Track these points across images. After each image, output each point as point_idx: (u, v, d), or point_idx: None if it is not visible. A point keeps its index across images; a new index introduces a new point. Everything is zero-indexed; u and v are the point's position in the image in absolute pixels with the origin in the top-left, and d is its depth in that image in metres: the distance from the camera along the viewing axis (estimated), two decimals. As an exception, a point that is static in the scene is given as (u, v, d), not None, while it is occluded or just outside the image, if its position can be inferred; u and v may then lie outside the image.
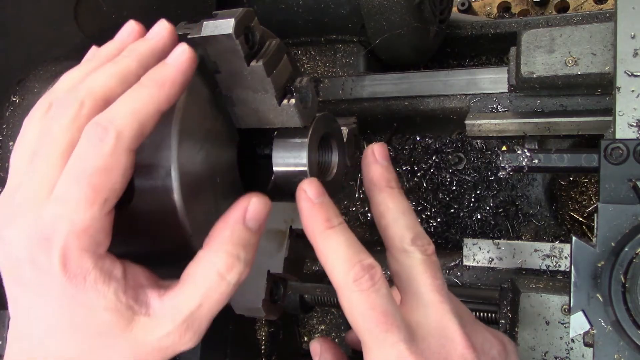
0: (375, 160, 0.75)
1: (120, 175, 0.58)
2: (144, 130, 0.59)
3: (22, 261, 0.57)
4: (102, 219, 0.57)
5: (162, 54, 0.65)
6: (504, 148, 1.20)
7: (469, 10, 2.00)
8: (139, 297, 0.61)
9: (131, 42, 0.67)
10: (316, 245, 0.68)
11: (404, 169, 1.31)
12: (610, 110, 0.78)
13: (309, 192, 0.68)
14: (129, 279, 0.61)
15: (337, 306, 1.26)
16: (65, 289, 0.57)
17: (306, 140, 0.78)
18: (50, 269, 0.56)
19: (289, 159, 0.79)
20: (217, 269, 0.62)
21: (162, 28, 0.66)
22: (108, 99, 0.59)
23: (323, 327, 1.38)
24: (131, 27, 0.69)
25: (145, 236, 0.76)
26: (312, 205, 0.68)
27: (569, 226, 1.22)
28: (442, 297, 0.67)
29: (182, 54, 0.62)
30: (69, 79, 0.64)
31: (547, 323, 0.87)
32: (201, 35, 0.71)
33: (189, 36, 0.73)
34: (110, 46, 0.68)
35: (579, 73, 0.92)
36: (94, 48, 0.72)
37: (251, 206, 0.65)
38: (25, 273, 0.58)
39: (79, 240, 0.56)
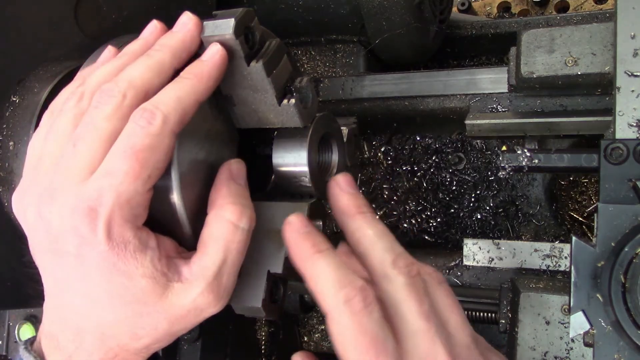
0: (341, 190, 0.73)
1: (164, 155, 0.63)
2: (186, 116, 0.64)
3: (63, 233, 0.61)
4: (144, 194, 0.62)
5: (190, 45, 0.69)
6: (504, 148, 1.20)
7: (469, 10, 2.00)
8: (170, 265, 0.65)
9: (153, 39, 0.71)
10: (305, 270, 0.66)
11: (404, 169, 1.31)
12: (610, 110, 0.78)
13: (294, 225, 0.69)
14: (162, 249, 0.65)
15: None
16: (106, 258, 0.60)
17: (306, 140, 0.78)
18: (93, 238, 0.60)
19: (289, 159, 0.79)
20: (229, 220, 0.66)
21: (188, 20, 0.70)
22: (147, 91, 0.64)
23: (323, 327, 1.38)
24: (154, 26, 0.73)
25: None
26: (299, 235, 0.68)
27: (569, 226, 1.22)
28: (429, 324, 0.64)
29: (217, 52, 0.68)
30: (103, 72, 0.68)
31: (547, 323, 0.87)
32: (201, 36, 0.71)
33: (189, 36, 0.73)
34: (136, 44, 0.72)
35: (579, 73, 0.92)
36: (110, 47, 0.75)
37: (232, 166, 0.71)
38: (66, 245, 0.61)
39: (122, 211, 0.60)
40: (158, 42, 0.69)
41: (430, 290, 0.67)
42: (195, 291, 0.64)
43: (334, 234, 1.37)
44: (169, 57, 0.67)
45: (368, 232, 0.69)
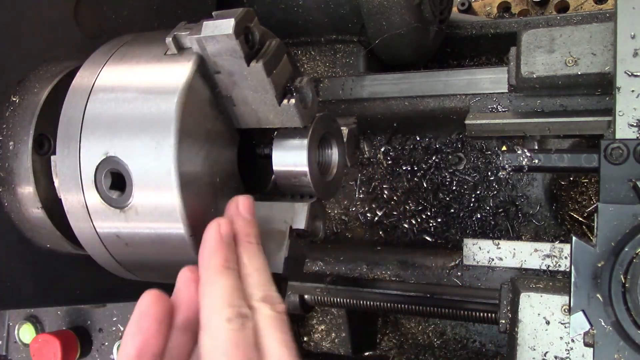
0: (238, 212, 0.75)
1: None
2: None
3: None
4: None
5: None
6: (504, 148, 1.20)
7: (469, 10, 2.00)
8: None
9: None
10: (205, 277, 0.70)
11: (404, 169, 1.31)
12: (610, 110, 0.78)
13: (222, 227, 0.71)
14: None
15: (337, 306, 1.26)
16: None
17: (306, 140, 0.78)
18: None
19: (289, 159, 0.79)
20: None
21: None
22: None
23: (323, 327, 1.38)
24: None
25: (146, 236, 0.76)
26: (218, 242, 0.70)
27: (569, 226, 1.22)
28: (290, 352, 0.68)
29: None
30: None
31: (547, 323, 0.87)
32: (201, 35, 0.71)
33: (189, 36, 0.73)
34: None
35: (579, 73, 0.92)
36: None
37: None
38: None
39: None
40: None
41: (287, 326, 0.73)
42: None
43: (334, 234, 1.38)
44: None
45: (247, 263, 0.72)
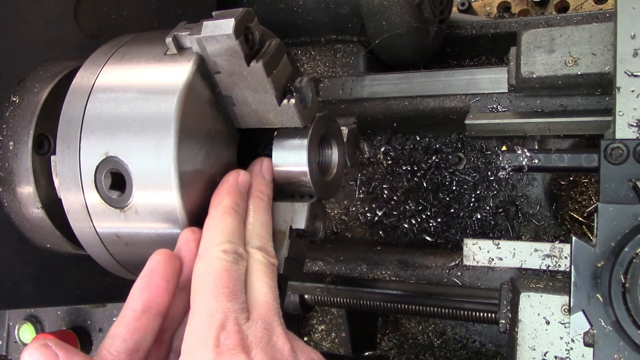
0: (260, 171, 0.80)
1: None
2: None
3: None
4: None
5: None
6: (504, 148, 1.19)
7: (469, 10, 2.00)
8: None
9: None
10: (212, 210, 0.74)
11: (404, 169, 1.31)
12: (610, 110, 0.78)
13: (240, 178, 0.76)
14: None
15: (337, 306, 1.26)
16: None
17: (306, 140, 0.78)
18: None
19: (289, 159, 0.79)
20: None
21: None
22: None
23: (323, 327, 1.38)
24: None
25: (146, 236, 0.76)
26: (233, 187, 0.75)
27: (569, 226, 1.22)
28: (274, 296, 0.72)
29: None
30: None
31: (547, 323, 0.87)
32: (201, 35, 0.71)
33: (189, 36, 0.73)
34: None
35: (579, 73, 0.92)
36: None
37: None
38: None
39: None
40: None
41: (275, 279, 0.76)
42: None
43: (334, 234, 1.38)
44: None
45: (255, 215, 0.76)
